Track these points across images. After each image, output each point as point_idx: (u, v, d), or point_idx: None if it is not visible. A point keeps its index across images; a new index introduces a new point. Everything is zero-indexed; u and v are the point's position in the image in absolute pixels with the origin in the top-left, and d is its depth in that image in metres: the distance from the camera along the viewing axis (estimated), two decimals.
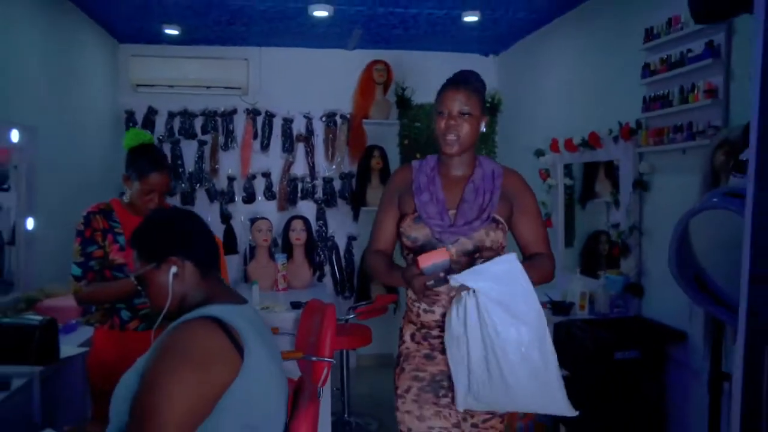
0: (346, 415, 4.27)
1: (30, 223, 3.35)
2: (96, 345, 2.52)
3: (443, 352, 1.97)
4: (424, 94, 5.28)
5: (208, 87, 5.23)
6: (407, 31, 4.77)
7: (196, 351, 1.43)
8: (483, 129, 2.03)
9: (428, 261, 1.77)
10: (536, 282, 1.87)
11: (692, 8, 1.63)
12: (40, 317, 2.46)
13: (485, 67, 5.40)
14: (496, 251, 1.99)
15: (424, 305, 2.02)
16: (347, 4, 4.06)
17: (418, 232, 2.01)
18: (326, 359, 2.96)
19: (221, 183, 5.36)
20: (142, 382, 1.43)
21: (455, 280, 1.77)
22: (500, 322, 1.76)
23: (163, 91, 5.21)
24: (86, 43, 4.53)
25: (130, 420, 1.42)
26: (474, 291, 1.77)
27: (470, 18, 4.31)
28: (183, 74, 5.18)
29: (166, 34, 4.82)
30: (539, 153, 4.43)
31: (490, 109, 5.41)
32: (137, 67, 5.14)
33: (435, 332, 2.04)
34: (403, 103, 5.45)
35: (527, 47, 5.03)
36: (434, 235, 1.98)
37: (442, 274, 1.80)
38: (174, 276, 1.58)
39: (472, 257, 1.97)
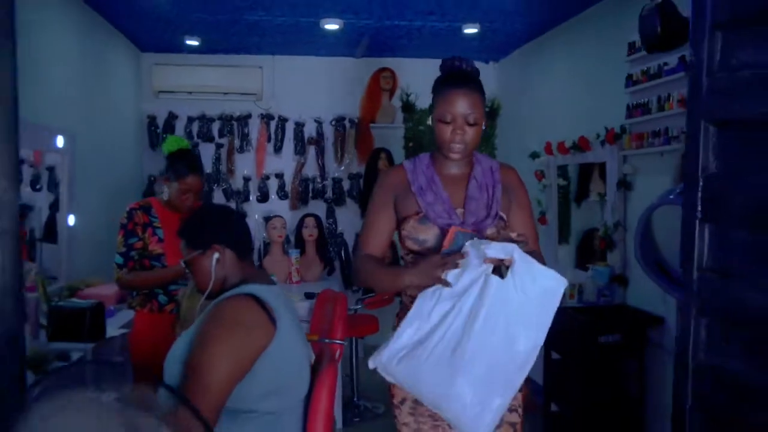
0: (355, 399, 4.61)
1: (71, 220, 3.70)
2: (137, 326, 2.87)
3: None
4: (427, 99, 5.58)
5: (224, 93, 5.58)
6: (411, 41, 5.10)
7: (238, 321, 1.76)
8: (484, 128, 1.93)
9: (452, 239, 1.73)
10: None
11: (644, 41, 1.94)
12: (90, 301, 2.80)
13: (486, 73, 5.62)
14: None
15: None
16: (356, 17, 4.39)
17: (426, 234, 1.90)
18: (338, 341, 3.29)
19: (237, 183, 5.71)
20: (192, 347, 1.75)
21: (493, 249, 1.68)
22: (505, 324, 1.68)
23: (183, 97, 5.56)
24: (113, 52, 4.88)
25: (183, 379, 1.75)
26: (504, 273, 1.69)
27: (470, 30, 4.64)
28: (201, 81, 5.53)
29: (187, 44, 5.17)
30: (534, 155, 4.75)
31: (490, 113, 5.73)
32: (159, 75, 5.50)
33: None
34: (408, 108, 5.77)
35: (525, 55, 5.35)
36: (444, 234, 1.87)
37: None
38: (216, 261, 1.91)
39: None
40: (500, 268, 1.71)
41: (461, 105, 1.83)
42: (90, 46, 4.27)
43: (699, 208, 1.51)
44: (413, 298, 1.84)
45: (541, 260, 1.79)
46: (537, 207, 4.60)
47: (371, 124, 5.71)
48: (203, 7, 4.15)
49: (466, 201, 1.94)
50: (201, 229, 1.96)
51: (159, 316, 2.80)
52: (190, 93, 5.56)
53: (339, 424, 4.20)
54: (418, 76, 5.74)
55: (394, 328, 1.91)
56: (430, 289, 1.77)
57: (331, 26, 4.47)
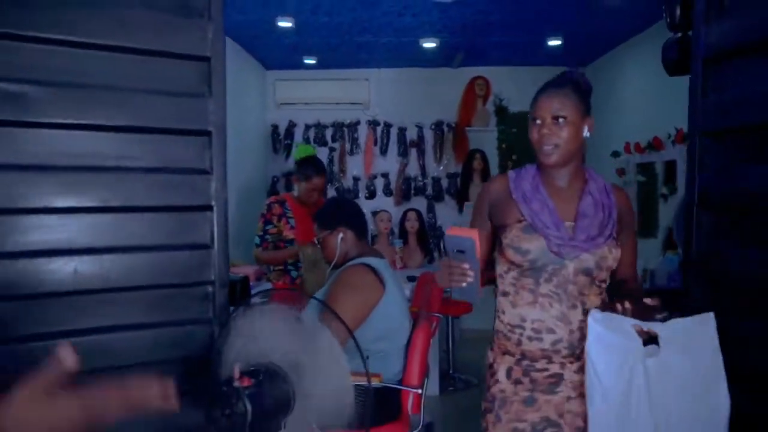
0: (451, 371, 5.22)
1: None
2: (274, 297, 3.64)
3: (546, 392, 1.75)
4: (518, 103, 6.12)
5: (336, 103, 6.35)
6: (501, 52, 5.65)
7: (358, 282, 2.42)
8: (587, 134, 1.80)
9: (456, 231, 1.60)
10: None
11: (665, 66, 2.43)
12: (238, 275, 3.58)
13: None
14: (608, 273, 1.80)
15: (528, 332, 1.77)
16: (450, 36, 5.00)
17: (530, 244, 1.75)
18: (435, 314, 3.93)
19: (348, 182, 6.47)
20: (325, 300, 2.44)
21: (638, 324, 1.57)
22: (674, 400, 1.56)
23: (301, 107, 6.38)
24: (244, 71, 5.74)
25: None
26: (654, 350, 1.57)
27: (554, 42, 5.14)
28: (317, 93, 6.33)
29: (305, 62, 5.97)
30: (615, 154, 5.18)
31: None
32: (281, 89, 6.35)
33: (540, 364, 1.77)
34: (501, 112, 6.32)
35: (610, 61, 5.77)
36: (551, 247, 1.73)
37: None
38: (341, 239, 2.59)
39: (592, 278, 1.76)
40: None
41: (548, 103, 1.76)
42: (228, 65, 5.10)
43: (696, 199, 2.03)
44: (512, 325, 1.80)
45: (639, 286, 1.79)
46: None
47: (467, 128, 6.31)
48: (320, 32, 4.90)
49: (578, 216, 1.79)
50: (331, 215, 2.65)
51: (291, 287, 3.54)
52: (307, 104, 6.37)
53: (436, 392, 4.82)
54: (509, 82, 6.27)
55: (491, 363, 1.87)
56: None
57: (429, 44, 5.11)
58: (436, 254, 6.44)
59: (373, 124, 6.43)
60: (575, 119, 1.76)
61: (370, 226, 6.13)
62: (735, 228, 1.91)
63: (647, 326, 1.56)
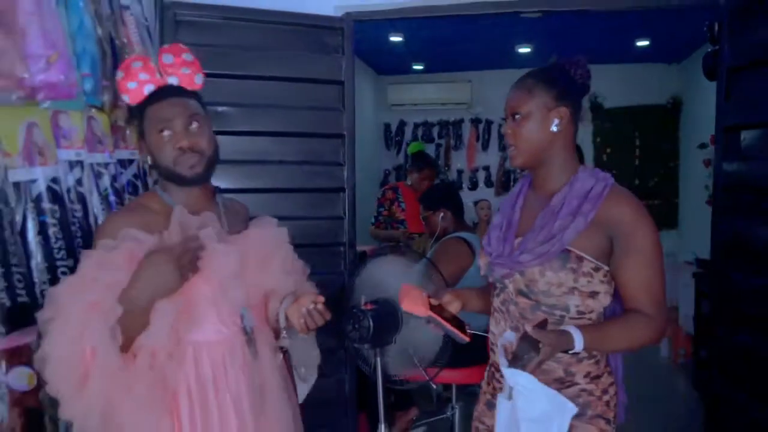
0: None
1: None
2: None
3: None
4: (613, 99, 6.54)
5: (442, 104, 7.03)
6: (593, 53, 6.09)
7: (454, 251, 3.09)
8: (554, 128, 1.52)
9: (406, 304, 1.56)
10: (614, 349, 1.55)
11: (704, 71, 2.91)
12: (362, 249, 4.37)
13: (668, 74, 6.50)
14: (561, 299, 1.49)
15: (491, 341, 1.67)
16: (544, 43, 5.55)
17: (482, 259, 1.65)
18: None
19: (452, 175, 7.15)
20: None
21: (506, 373, 1.37)
22: None
23: (410, 108, 7.12)
24: (360, 77, 6.52)
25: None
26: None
27: (642, 43, 5.56)
28: (424, 95, 7.04)
29: (413, 68, 6.70)
30: (702, 146, 5.52)
31: (671, 111, 6.49)
32: (392, 91, 7.11)
33: (498, 374, 1.63)
34: (596, 108, 6.75)
35: (698, 59, 6.05)
36: (491, 265, 1.59)
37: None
38: (441, 218, 3.28)
39: (535, 302, 1.51)
40: None
41: (508, 100, 1.59)
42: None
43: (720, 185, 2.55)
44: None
45: (644, 330, 1.46)
46: (705, 192, 5.33)
47: None
48: (426, 44, 5.60)
49: (532, 229, 1.54)
50: (434, 198, 3.35)
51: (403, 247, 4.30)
52: (416, 105, 7.10)
53: None
54: (604, 79, 6.64)
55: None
56: None
57: (524, 50, 5.68)
58: None
59: (475, 121, 7.06)
60: (535, 113, 1.53)
61: (472, 215, 6.79)
62: (753, 209, 2.40)
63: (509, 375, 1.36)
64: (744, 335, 2.40)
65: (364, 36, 5.19)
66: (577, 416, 1.44)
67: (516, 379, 1.35)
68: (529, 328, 1.35)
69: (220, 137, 2.35)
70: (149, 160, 1.61)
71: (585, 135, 6.82)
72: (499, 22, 4.93)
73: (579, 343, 1.39)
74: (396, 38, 5.30)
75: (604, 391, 1.54)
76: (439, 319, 1.54)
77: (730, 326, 2.49)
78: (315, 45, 2.65)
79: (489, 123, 7.04)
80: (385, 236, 4.28)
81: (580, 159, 6.15)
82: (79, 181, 1.99)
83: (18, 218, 1.74)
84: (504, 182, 7.04)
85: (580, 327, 1.41)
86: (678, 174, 6.68)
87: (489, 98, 6.99)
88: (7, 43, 1.60)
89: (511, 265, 1.53)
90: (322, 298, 1.63)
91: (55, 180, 1.87)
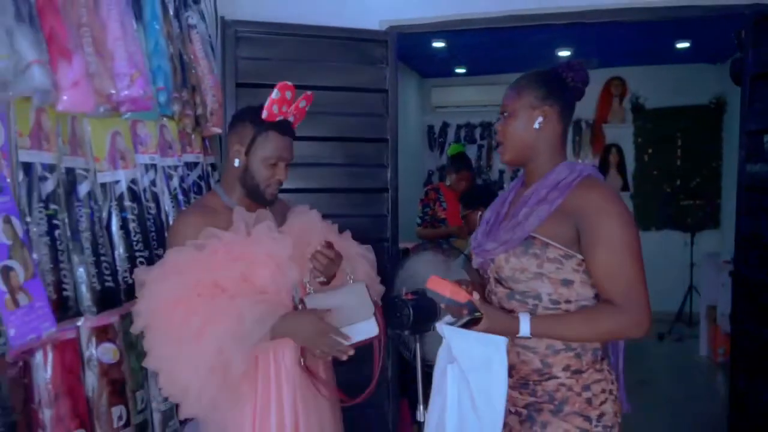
0: None
1: None
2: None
3: None
4: (655, 100, 6.60)
5: (483, 105, 7.18)
6: (634, 56, 6.20)
7: None
8: (537, 125, 1.58)
9: (431, 282, 1.55)
10: (572, 338, 1.52)
11: (731, 77, 3.04)
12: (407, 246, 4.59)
13: (711, 74, 6.51)
14: (529, 285, 1.55)
15: None
16: (583, 46, 5.67)
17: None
18: None
19: (494, 175, 7.31)
20: None
21: (439, 327, 1.51)
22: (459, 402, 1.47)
23: (453, 110, 7.31)
24: (405, 81, 6.75)
25: None
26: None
27: (682, 45, 5.63)
28: (466, 97, 7.22)
29: (456, 72, 6.88)
30: None
31: (714, 111, 6.50)
32: (436, 94, 7.31)
33: None
34: (637, 108, 6.81)
35: None
36: (474, 257, 1.69)
37: None
38: (479, 216, 3.47)
39: (510, 290, 1.58)
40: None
41: (503, 99, 1.65)
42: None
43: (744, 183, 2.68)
44: None
45: (610, 319, 1.47)
46: None
47: (603, 124, 6.89)
48: (467, 49, 5.79)
49: (506, 219, 1.63)
50: (472, 197, 3.55)
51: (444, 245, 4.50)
52: (458, 107, 7.28)
53: None
54: (646, 81, 6.75)
55: None
56: None
57: (564, 53, 5.81)
58: None
59: None
60: (521, 111, 1.59)
61: None
62: None
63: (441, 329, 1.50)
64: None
65: (408, 43, 5.40)
66: (553, 412, 1.53)
67: (444, 331, 1.47)
68: (476, 296, 1.46)
69: None
70: (237, 163, 1.85)
71: (626, 135, 6.90)
72: (537, 28, 5.07)
73: (525, 327, 1.46)
74: (438, 44, 5.51)
75: (585, 388, 1.54)
76: (452, 295, 1.50)
77: (754, 324, 2.61)
78: (361, 57, 2.89)
79: None
80: (432, 235, 4.48)
81: (620, 159, 6.30)
82: (153, 182, 2.27)
83: (104, 214, 2.01)
84: None
85: (535, 314, 1.50)
86: (721, 174, 6.69)
87: None
88: (100, 65, 1.87)
89: (481, 254, 1.63)
90: (324, 241, 1.85)
91: (134, 181, 2.14)
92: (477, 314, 1.46)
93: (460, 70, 6.85)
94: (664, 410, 4.15)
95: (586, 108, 6.96)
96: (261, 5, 2.77)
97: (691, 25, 5.10)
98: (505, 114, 1.62)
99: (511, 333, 1.47)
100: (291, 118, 1.90)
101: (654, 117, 6.78)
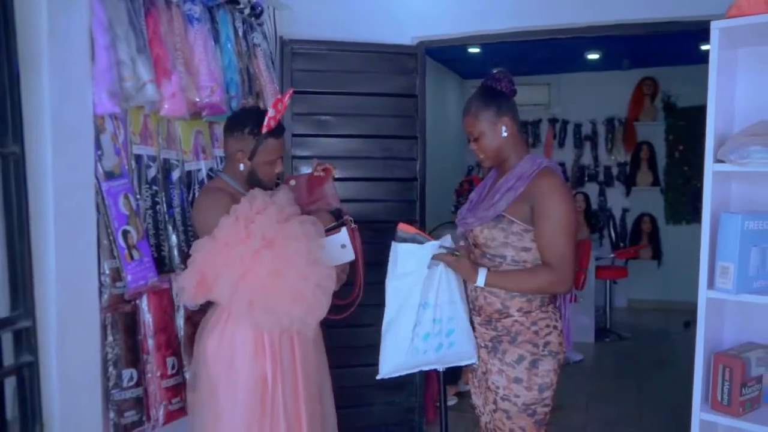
0: (607, 326, 6.29)
1: None
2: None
3: None
4: (686, 99, 6.90)
5: (521, 105, 7.28)
6: (663, 55, 6.53)
7: None
8: (504, 133, 2.03)
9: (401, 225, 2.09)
10: (515, 290, 1.97)
11: None
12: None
13: None
14: (497, 250, 1.99)
15: None
16: (613, 47, 6.06)
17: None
18: (582, 269, 5.14)
19: None
20: None
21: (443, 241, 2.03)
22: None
23: None
24: (446, 83, 7.25)
25: None
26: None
27: (706, 47, 5.92)
28: None
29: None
30: None
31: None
32: None
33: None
34: (669, 107, 7.12)
35: None
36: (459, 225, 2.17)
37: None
38: None
39: (482, 251, 2.04)
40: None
41: (464, 127, 2.11)
42: (436, 80, 6.66)
43: None
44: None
45: (542, 274, 1.93)
46: None
47: (635, 122, 7.24)
48: (503, 54, 6.25)
49: (482, 203, 2.10)
50: None
51: None
52: None
53: (591, 340, 5.93)
54: (676, 80, 7.04)
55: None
56: None
57: (593, 56, 6.22)
58: (605, 231, 7.48)
59: (552, 121, 7.62)
60: (486, 130, 2.03)
61: None
62: None
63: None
64: None
65: (446, 48, 5.92)
66: (510, 342, 2.00)
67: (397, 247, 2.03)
68: (463, 241, 2.05)
69: (324, 139, 3.20)
70: (242, 167, 2.25)
71: (657, 133, 7.23)
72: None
73: (481, 278, 1.94)
74: (474, 50, 6.00)
75: (533, 323, 2.00)
76: (411, 230, 2.03)
77: None
78: (395, 67, 3.42)
79: (565, 123, 7.58)
80: None
81: (651, 156, 6.95)
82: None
83: (191, 196, 2.61)
84: (578, 177, 7.56)
85: (492, 269, 1.98)
86: None
87: (566, 99, 7.54)
88: (189, 80, 2.46)
89: (463, 225, 2.10)
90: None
91: (211, 169, 2.73)
92: (457, 253, 1.98)
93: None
94: (679, 387, 4.53)
95: (618, 107, 7.34)
96: (313, 26, 3.33)
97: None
98: (475, 137, 2.06)
99: (470, 279, 1.99)
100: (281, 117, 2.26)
101: (684, 115, 7.06)
